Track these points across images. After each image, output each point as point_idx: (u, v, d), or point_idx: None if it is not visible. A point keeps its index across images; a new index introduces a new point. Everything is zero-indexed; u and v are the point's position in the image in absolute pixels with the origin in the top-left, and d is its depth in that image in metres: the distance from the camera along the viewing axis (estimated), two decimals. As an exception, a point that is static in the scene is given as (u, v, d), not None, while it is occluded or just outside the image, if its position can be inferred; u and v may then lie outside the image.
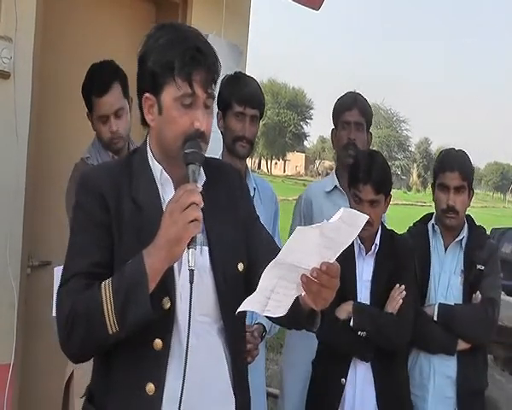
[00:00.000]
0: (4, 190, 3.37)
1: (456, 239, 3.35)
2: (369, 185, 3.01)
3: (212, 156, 2.13)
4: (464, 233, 3.37)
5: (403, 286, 3.02)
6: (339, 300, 2.92)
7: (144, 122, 1.95)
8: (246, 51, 4.81)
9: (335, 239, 1.61)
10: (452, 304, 3.27)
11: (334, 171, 3.88)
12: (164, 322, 1.82)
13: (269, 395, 4.27)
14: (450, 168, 3.28)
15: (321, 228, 1.59)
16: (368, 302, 3.06)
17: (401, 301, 3.00)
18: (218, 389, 1.92)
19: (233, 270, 1.94)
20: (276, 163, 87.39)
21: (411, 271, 3.15)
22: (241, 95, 3.14)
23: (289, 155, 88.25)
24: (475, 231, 3.41)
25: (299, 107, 79.77)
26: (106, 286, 1.73)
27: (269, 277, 1.65)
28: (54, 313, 2.99)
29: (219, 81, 1.99)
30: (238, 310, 1.69)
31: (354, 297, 3.04)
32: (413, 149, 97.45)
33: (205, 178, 1.94)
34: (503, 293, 4.17)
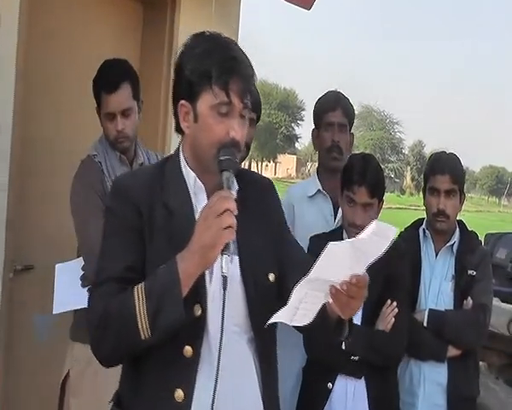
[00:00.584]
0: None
1: (448, 244, 3.37)
2: (364, 188, 3.03)
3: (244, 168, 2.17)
4: (455, 238, 3.39)
5: (394, 303, 3.00)
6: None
7: (178, 129, 2.00)
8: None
9: (366, 252, 1.65)
10: (443, 310, 3.29)
11: (315, 173, 3.82)
12: (194, 329, 1.86)
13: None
14: (441, 171, 3.30)
15: (353, 243, 1.63)
16: (359, 314, 3.03)
17: (393, 319, 2.99)
18: (247, 400, 1.95)
19: (264, 280, 1.97)
20: (266, 165, 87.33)
21: (404, 283, 3.14)
22: None
23: (280, 157, 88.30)
24: (467, 235, 3.43)
25: (290, 108, 79.88)
26: (139, 290, 1.77)
27: (299, 291, 1.68)
28: (54, 311, 3.07)
29: None
30: (268, 322, 1.73)
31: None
32: (407, 152, 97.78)
33: (237, 187, 1.98)
34: (496, 299, 4.21)
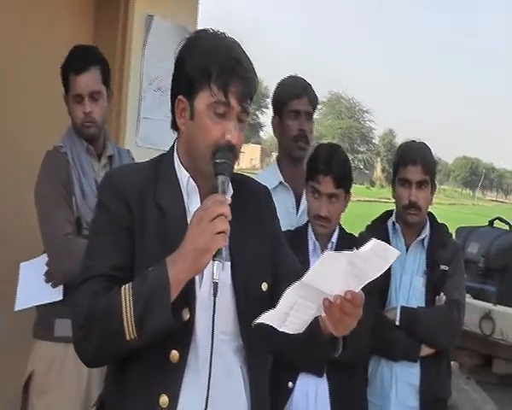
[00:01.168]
0: None
1: (418, 238, 3.41)
2: (330, 177, 3.06)
3: (240, 172, 2.19)
4: (426, 232, 3.42)
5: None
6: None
7: (174, 126, 2.02)
8: (195, 34, 4.80)
9: (363, 269, 1.67)
10: (415, 307, 3.33)
11: (275, 164, 3.77)
12: (182, 334, 1.89)
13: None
14: (412, 162, 3.33)
15: (351, 256, 1.65)
16: None
17: None
18: None
19: (256, 289, 2.00)
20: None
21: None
22: None
23: (244, 147, 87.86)
24: (437, 229, 3.47)
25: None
26: (126, 291, 1.80)
27: (291, 295, 1.70)
28: (16, 308, 3.10)
29: None
30: (255, 322, 1.75)
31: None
32: (377, 142, 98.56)
33: (232, 192, 2.00)
34: (468, 296, 4.26)
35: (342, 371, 3.03)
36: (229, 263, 1.98)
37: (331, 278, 1.68)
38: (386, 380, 3.34)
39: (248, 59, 1.99)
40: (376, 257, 1.66)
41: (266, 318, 1.73)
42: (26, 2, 4.04)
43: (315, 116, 3.77)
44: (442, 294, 3.32)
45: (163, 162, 2.06)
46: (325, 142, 3.57)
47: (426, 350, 3.30)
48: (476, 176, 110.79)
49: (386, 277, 3.33)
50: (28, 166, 3.29)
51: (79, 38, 3.67)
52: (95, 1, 4.43)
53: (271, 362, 3.23)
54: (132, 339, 1.79)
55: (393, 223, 3.47)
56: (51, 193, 3.05)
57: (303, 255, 3.08)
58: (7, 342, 3.70)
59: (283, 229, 2.32)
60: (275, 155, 3.43)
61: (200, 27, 2.04)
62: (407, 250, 3.41)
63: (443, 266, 3.35)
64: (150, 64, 4.43)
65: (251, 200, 2.11)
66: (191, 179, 2.00)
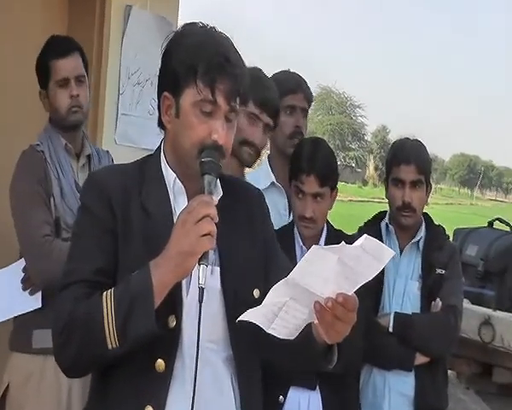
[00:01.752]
0: None
1: (413, 240, 3.42)
2: (313, 176, 3.06)
3: (233, 175, 2.20)
4: (422, 233, 3.43)
5: None
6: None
7: (160, 124, 2.04)
8: (176, 25, 4.81)
9: (355, 269, 1.67)
10: (409, 313, 3.33)
11: (266, 162, 3.74)
12: (168, 342, 1.89)
13: None
14: (406, 161, 3.34)
15: (340, 252, 1.65)
16: None
17: None
18: None
19: (247, 296, 1.99)
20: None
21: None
22: (261, 97, 3.14)
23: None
24: (433, 230, 3.48)
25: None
26: (108, 296, 1.81)
27: (278, 294, 1.71)
28: None
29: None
30: (238, 319, 1.76)
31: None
32: (369, 139, 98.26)
33: (221, 194, 2.01)
34: (466, 301, 4.28)
35: (334, 382, 3.02)
36: (218, 268, 1.99)
37: (320, 277, 1.68)
38: (379, 390, 3.34)
39: (238, 55, 2.00)
40: (367, 255, 1.66)
41: (251, 315, 1.73)
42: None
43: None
44: (438, 299, 3.33)
45: (149, 163, 2.07)
46: (307, 137, 3.56)
47: (420, 359, 3.30)
48: (474, 174, 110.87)
49: (379, 281, 3.34)
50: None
51: (52, 28, 3.66)
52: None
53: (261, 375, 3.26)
54: (114, 347, 1.79)
55: (387, 224, 3.48)
56: (27, 192, 3.04)
57: (290, 260, 3.08)
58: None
59: None
60: (263, 152, 3.41)
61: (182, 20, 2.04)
62: (401, 253, 3.42)
63: (439, 270, 3.36)
64: (129, 57, 4.43)
65: (242, 202, 2.12)
66: (178, 180, 2.02)
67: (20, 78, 3.72)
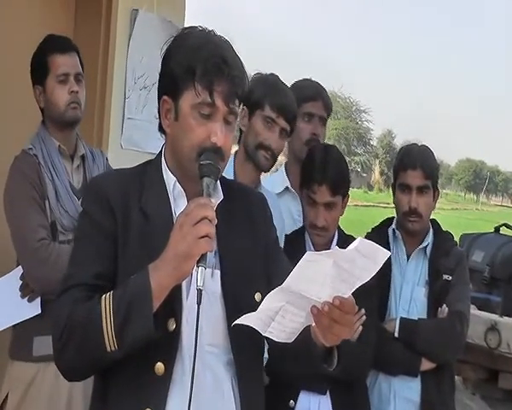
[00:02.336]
0: None
1: (420, 246, 3.42)
2: (325, 186, 3.06)
3: (233, 179, 2.19)
4: (429, 239, 3.43)
5: (362, 310, 2.98)
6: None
7: (161, 129, 2.05)
8: (183, 28, 4.81)
9: (350, 271, 1.68)
10: (416, 319, 3.33)
11: (283, 168, 3.80)
12: (167, 345, 1.90)
13: None
14: (412, 166, 3.33)
15: (334, 256, 1.65)
16: None
17: (361, 327, 2.98)
18: None
19: (249, 299, 1.98)
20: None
21: (373, 289, 3.11)
22: (278, 102, 3.15)
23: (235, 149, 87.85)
24: (441, 236, 3.48)
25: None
26: (107, 299, 1.82)
27: (274, 299, 1.71)
28: None
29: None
30: (233, 323, 1.77)
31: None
32: (375, 143, 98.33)
33: (222, 197, 2.02)
34: (473, 307, 4.27)
35: (345, 387, 3.04)
36: (219, 271, 1.99)
37: (316, 282, 1.68)
38: (385, 395, 3.33)
39: (237, 57, 2.01)
40: (362, 257, 1.66)
41: (247, 319, 1.74)
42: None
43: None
44: (444, 305, 3.32)
45: (150, 167, 2.08)
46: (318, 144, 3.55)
47: (426, 364, 3.30)
48: (480, 179, 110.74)
49: (386, 287, 3.35)
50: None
51: (58, 32, 3.65)
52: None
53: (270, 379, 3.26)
54: (112, 350, 1.80)
55: (394, 230, 3.48)
56: (22, 197, 3.03)
57: None
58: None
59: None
60: (282, 158, 3.41)
61: (193, 23, 2.04)
62: (408, 259, 3.42)
63: (446, 276, 3.36)
64: (135, 61, 4.44)
65: (243, 206, 2.13)
66: (178, 183, 2.02)
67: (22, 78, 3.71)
